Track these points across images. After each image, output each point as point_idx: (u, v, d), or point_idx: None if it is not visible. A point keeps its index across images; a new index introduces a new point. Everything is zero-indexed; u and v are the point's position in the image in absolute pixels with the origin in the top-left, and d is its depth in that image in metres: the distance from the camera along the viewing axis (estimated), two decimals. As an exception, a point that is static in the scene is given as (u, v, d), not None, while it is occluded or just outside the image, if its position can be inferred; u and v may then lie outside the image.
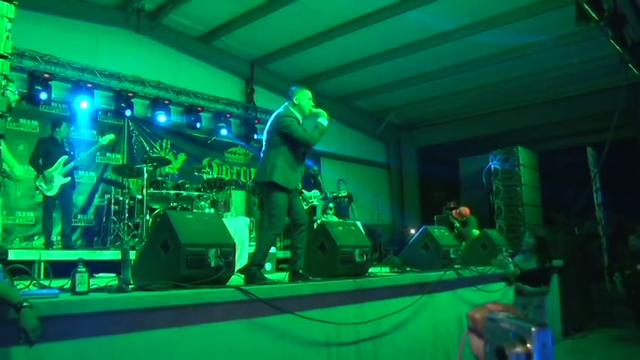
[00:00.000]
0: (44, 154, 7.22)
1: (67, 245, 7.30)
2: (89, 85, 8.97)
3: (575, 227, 10.69)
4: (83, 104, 8.86)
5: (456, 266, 6.66)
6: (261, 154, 4.89)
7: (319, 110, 4.91)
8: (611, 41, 6.87)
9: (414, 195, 15.22)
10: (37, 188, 7.17)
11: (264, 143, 4.89)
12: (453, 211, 10.13)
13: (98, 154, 8.81)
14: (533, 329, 0.81)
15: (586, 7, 6.06)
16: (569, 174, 9.82)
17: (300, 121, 4.81)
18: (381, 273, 5.64)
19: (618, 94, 8.94)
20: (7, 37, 3.32)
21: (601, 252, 9.12)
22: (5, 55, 3.23)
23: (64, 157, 7.24)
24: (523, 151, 11.27)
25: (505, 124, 13.21)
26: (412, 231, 10.07)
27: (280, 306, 3.98)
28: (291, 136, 4.67)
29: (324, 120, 4.85)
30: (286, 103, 4.90)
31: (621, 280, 7.35)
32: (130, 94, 9.54)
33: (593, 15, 6.18)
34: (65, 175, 7.20)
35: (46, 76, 8.45)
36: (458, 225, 9.70)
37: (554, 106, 12.40)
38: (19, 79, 8.08)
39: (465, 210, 10.00)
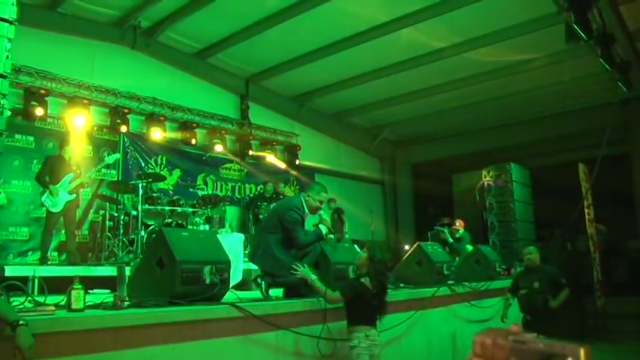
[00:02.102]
0: (50, 171, 7.25)
1: (73, 262, 7.28)
2: (85, 101, 9.00)
3: (568, 243, 10.76)
4: (79, 120, 8.87)
5: (450, 282, 6.70)
6: (261, 231, 5.15)
7: (324, 222, 5.14)
8: (600, 60, 7.03)
9: (408, 211, 15.24)
10: (42, 204, 7.19)
11: (267, 217, 5.24)
12: (452, 225, 10.14)
13: (94, 169, 8.82)
14: (581, 350, 0.84)
15: (575, 27, 6.19)
16: (561, 190, 9.90)
17: (306, 216, 4.99)
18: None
19: (609, 111, 9.09)
20: (7, 57, 3.37)
21: (591, 268, 9.17)
22: (5, 74, 3.28)
23: (71, 175, 7.27)
24: (516, 168, 11.38)
25: (498, 141, 13.29)
26: (406, 247, 10.08)
27: (274, 322, 4.01)
28: (290, 234, 4.87)
29: (324, 228, 5.04)
30: (302, 195, 5.11)
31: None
32: (126, 110, 9.57)
33: (582, 35, 6.32)
34: (71, 193, 7.23)
35: (42, 91, 8.48)
36: (451, 241, 9.75)
37: (546, 122, 12.50)
38: (15, 95, 8.12)
39: (461, 223, 10.02)
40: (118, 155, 8.20)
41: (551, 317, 5.85)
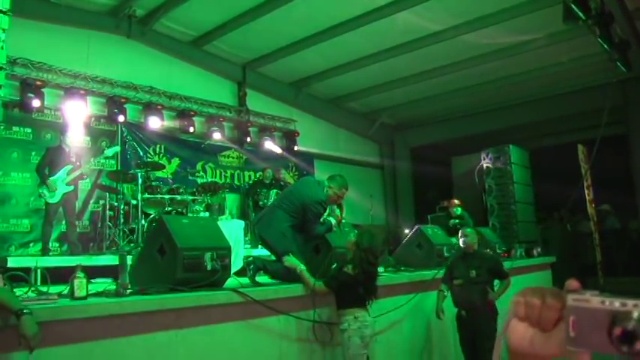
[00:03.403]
0: (50, 162, 7.27)
1: (75, 252, 7.32)
2: (82, 92, 8.97)
3: (568, 224, 10.80)
4: (76, 110, 8.86)
5: (450, 264, 6.73)
6: (274, 206, 5.13)
7: (334, 214, 5.18)
8: (599, 40, 7.01)
9: (407, 195, 15.28)
10: (40, 195, 7.23)
11: (284, 194, 5.22)
12: (449, 207, 10.11)
13: (93, 160, 8.83)
14: None
15: (573, 6, 6.17)
16: (561, 171, 9.91)
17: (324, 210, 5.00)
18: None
19: (608, 92, 9.08)
20: (2, 48, 3.37)
21: (593, 248, 9.22)
22: (0, 65, 3.28)
23: (69, 167, 7.29)
24: (515, 150, 11.36)
25: (496, 123, 13.29)
26: (406, 231, 10.11)
27: (276, 307, 4.05)
28: (307, 224, 4.86)
29: (333, 220, 5.08)
30: (325, 184, 5.01)
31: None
32: (123, 100, 9.55)
33: (581, 14, 6.30)
34: (69, 184, 7.25)
35: (38, 83, 8.45)
36: (456, 222, 9.65)
37: (544, 104, 12.49)
38: (11, 87, 8.11)
39: (454, 201, 9.96)
40: (117, 148, 8.24)
41: (491, 313, 5.17)
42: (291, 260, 4.47)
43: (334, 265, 4.58)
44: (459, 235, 5.57)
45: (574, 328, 0.70)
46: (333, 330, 4.43)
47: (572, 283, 0.73)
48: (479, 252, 5.53)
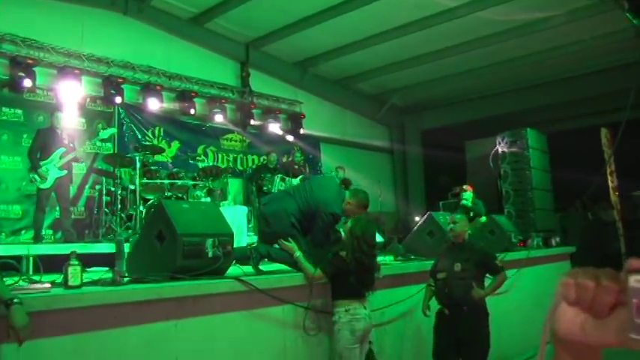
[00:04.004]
0: (42, 145, 7.21)
1: (68, 240, 7.30)
2: (76, 71, 8.89)
3: (589, 212, 10.71)
4: (70, 91, 8.80)
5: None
6: (289, 191, 5.16)
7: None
8: (627, 14, 6.85)
9: (418, 181, 15.23)
10: (31, 181, 7.19)
11: (300, 187, 5.15)
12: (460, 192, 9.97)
13: (88, 143, 8.77)
14: None
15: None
16: (582, 156, 9.80)
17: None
18: (384, 261, 5.66)
19: (633, 72, 8.94)
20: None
21: (617, 238, 9.13)
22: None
23: (62, 150, 7.23)
24: (532, 133, 11.28)
25: (513, 105, 13.18)
26: (416, 218, 10.06)
27: (280, 296, 4.01)
28: (315, 229, 4.77)
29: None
30: (347, 198, 4.84)
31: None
32: (120, 80, 9.49)
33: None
34: (62, 168, 7.20)
35: (29, 61, 8.37)
36: (470, 205, 9.49)
37: (564, 85, 12.36)
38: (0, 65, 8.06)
39: (467, 187, 9.83)
40: (113, 129, 8.16)
41: (479, 314, 4.73)
42: (290, 245, 4.41)
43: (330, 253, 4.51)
44: (448, 222, 5.13)
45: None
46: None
47: (634, 262, 0.66)
48: (469, 243, 4.99)
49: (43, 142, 7.23)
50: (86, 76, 9.20)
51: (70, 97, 8.86)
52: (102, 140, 8.63)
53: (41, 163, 7.05)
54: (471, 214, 9.13)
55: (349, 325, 4.07)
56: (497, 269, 4.86)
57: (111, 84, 9.38)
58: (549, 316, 0.72)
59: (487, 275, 4.94)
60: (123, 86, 9.55)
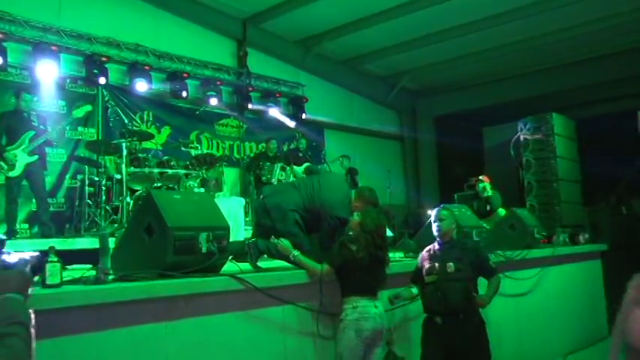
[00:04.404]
0: (7, 129, 7.17)
1: (46, 234, 7.28)
2: (53, 48, 8.83)
3: (623, 206, 10.63)
4: (47, 70, 8.74)
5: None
6: (295, 184, 5.26)
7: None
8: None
9: (431, 170, 15.23)
10: None
11: (307, 181, 5.13)
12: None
13: (68, 128, 8.73)
14: None
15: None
16: (615, 144, 9.72)
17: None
18: (394, 258, 5.62)
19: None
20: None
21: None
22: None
23: (31, 133, 7.19)
24: (558, 118, 11.20)
25: (537, 88, 13.15)
26: (429, 211, 10.02)
27: (280, 296, 3.99)
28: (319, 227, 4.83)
29: None
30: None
31: None
32: (104, 59, 9.46)
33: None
34: (32, 153, 7.15)
35: (-1, 36, 8.34)
36: (490, 193, 9.41)
37: (595, 64, 12.29)
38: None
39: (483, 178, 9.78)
40: (88, 107, 7.96)
41: (474, 321, 4.55)
42: (284, 243, 4.37)
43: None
44: (434, 217, 4.92)
45: None
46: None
47: None
48: (459, 241, 4.87)
49: (7, 127, 7.18)
50: (65, 53, 9.17)
51: (47, 77, 8.80)
52: (76, 119, 8.45)
53: (7, 148, 7.00)
54: (487, 207, 9.13)
55: (356, 323, 4.03)
56: (491, 271, 4.77)
57: (93, 63, 9.35)
58: (620, 324, 0.68)
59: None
60: (107, 66, 9.53)
